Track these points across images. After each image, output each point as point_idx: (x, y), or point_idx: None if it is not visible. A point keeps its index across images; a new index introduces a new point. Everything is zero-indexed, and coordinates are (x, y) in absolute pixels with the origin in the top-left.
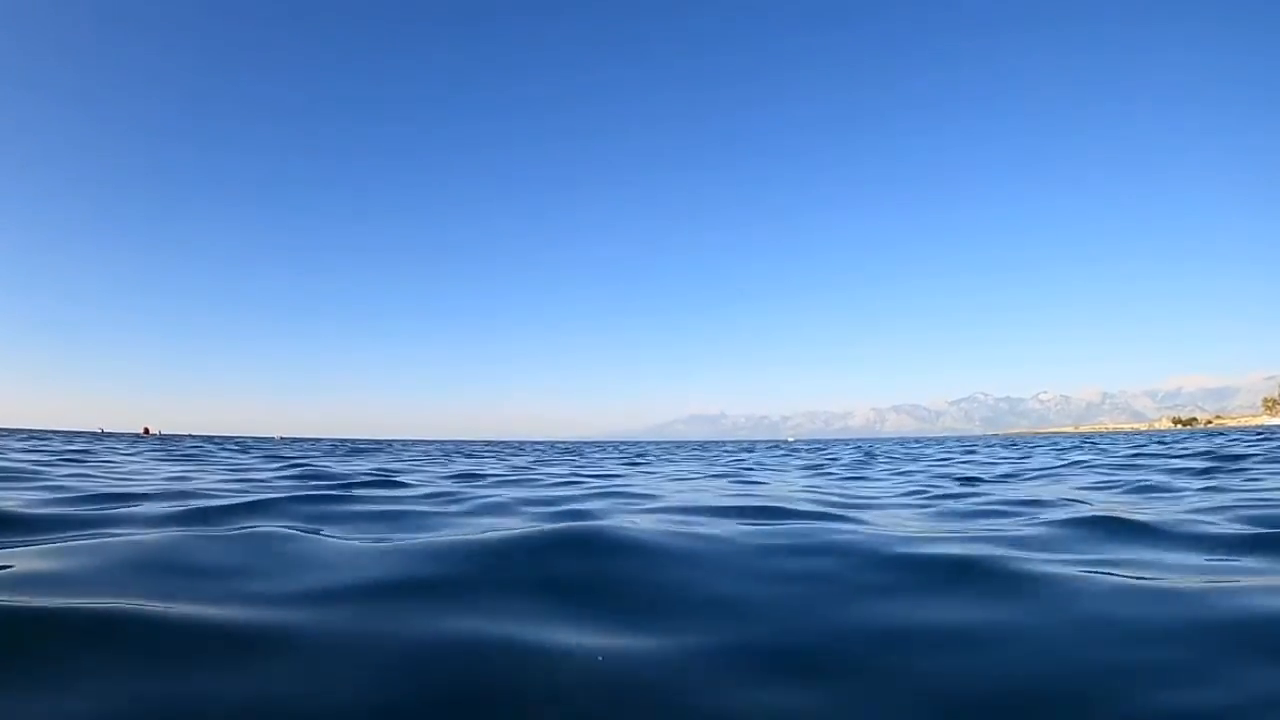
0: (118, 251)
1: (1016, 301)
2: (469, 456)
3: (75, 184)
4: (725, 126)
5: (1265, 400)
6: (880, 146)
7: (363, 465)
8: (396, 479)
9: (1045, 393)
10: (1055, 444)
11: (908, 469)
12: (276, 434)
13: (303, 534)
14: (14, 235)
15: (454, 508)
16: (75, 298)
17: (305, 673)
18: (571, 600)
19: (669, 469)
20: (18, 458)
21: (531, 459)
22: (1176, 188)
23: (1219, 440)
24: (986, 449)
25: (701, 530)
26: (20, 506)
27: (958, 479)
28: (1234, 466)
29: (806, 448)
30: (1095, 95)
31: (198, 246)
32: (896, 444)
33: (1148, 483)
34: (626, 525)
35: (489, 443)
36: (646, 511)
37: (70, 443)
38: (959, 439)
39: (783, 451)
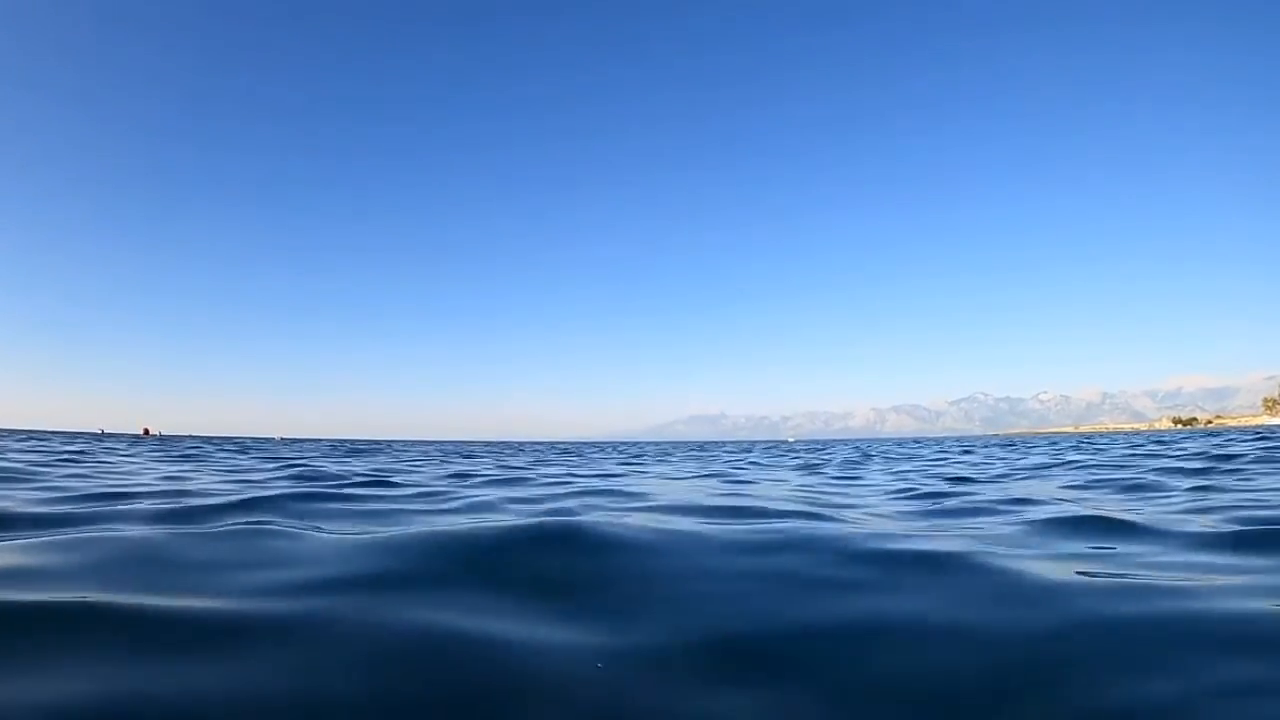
0: (118, 251)
1: (1016, 301)
2: (466, 457)
3: (75, 184)
4: (725, 126)
5: (1265, 400)
6: (880, 146)
7: (358, 466)
8: (389, 479)
9: (1045, 393)
10: (1052, 444)
11: (900, 469)
12: (277, 434)
13: (286, 531)
14: (14, 235)
15: (440, 506)
16: (76, 298)
17: (272, 661)
18: (533, 594)
19: (664, 469)
20: (16, 458)
21: (529, 459)
22: (1176, 188)
23: (1216, 440)
24: (983, 449)
25: (678, 528)
26: (13, 505)
27: (949, 478)
28: (1227, 466)
29: (805, 448)
30: (1095, 95)
31: (198, 247)
32: (894, 444)
33: (1139, 482)
34: (600, 522)
35: (489, 443)
36: (630, 510)
37: (70, 443)
38: (958, 439)
39: (780, 452)
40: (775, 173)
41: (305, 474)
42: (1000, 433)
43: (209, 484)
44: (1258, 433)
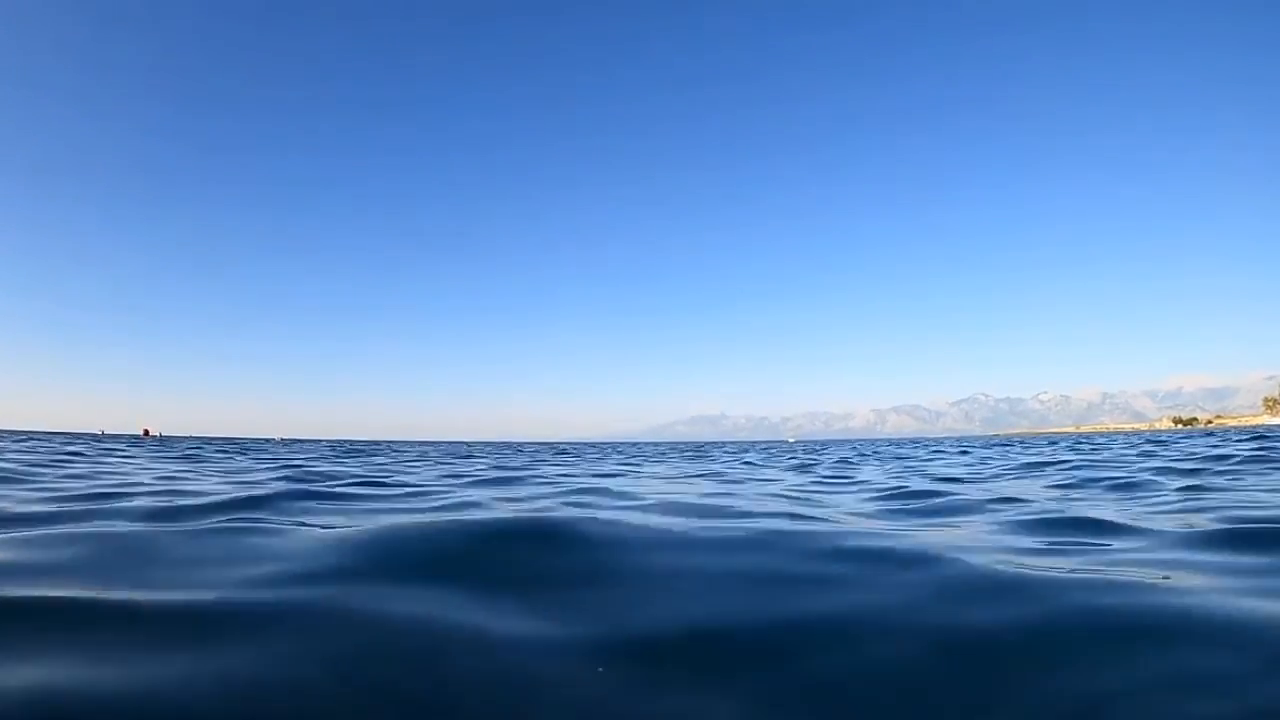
0: (118, 252)
1: (1016, 301)
2: (464, 458)
3: (75, 184)
4: (725, 126)
5: (1265, 400)
6: (880, 146)
7: (354, 466)
8: (382, 479)
9: (1045, 393)
10: (1050, 444)
11: (893, 469)
12: (277, 435)
13: (268, 528)
14: (15, 236)
15: (426, 504)
16: (76, 298)
17: (240, 651)
18: (499, 588)
19: (659, 469)
20: (14, 459)
21: (526, 460)
22: (1176, 188)
23: (1214, 440)
24: (980, 449)
25: (657, 526)
26: (9, 505)
27: (939, 478)
28: (1219, 467)
29: (803, 449)
30: (1095, 95)
31: (198, 247)
32: (892, 445)
33: (1129, 481)
34: (577, 518)
35: (489, 444)
36: (615, 509)
37: (69, 444)
38: (957, 440)
39: (777, 453)
40: (775, 173)
41: (299, 474)
42: (1000, 433)
43: (202, 484)
44: (1256, 433)
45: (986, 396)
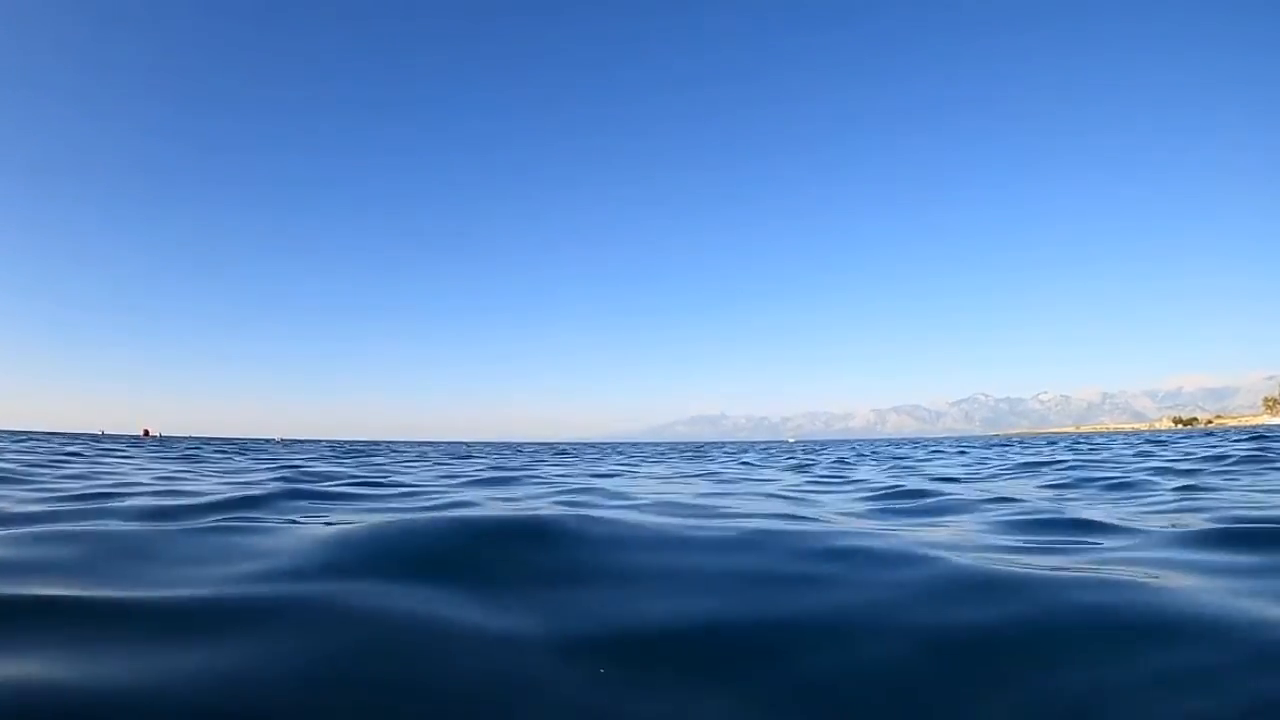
0: (118, 252)
1: (1016, 301)
2: (463, 458)
3: (75, 184)
4: (725, 126)
5: (1266, 400)
6: (880, 146)
7: (351, 467)
8: (377, 479)
9: (1045, 393)
10: (1049, 444)
11: (890, 469)
12: (277, 435)
13: (260, 527)
14: (15, 236)
15: (418, 504)
16: (76, 299)
17: (223, 644)
18: (479, 584)
19: (656, 469)
20: (13, 459)
21: (525, 460)
22: (1176, 188)
23: (1213, 440)
24: (978, 449)
25: (646, 525)
26: (4, 505)
27: (935, 478)
28: (1216, 467)
29: (802, 449)
30: (1095, 95)
31: (198, 247)
32: (891, 445)
33: (1125, 481)
34: (565, 516)
35: (489, 445)
36: (606, 508)
37: (69, 444)
38: (957, 440)
39: (776, 453)
40: (775, 173)
41: (296, 475)
42: (1000, 433)
43: (198, 484)
44: (1255, 433)
45: (986, 396)
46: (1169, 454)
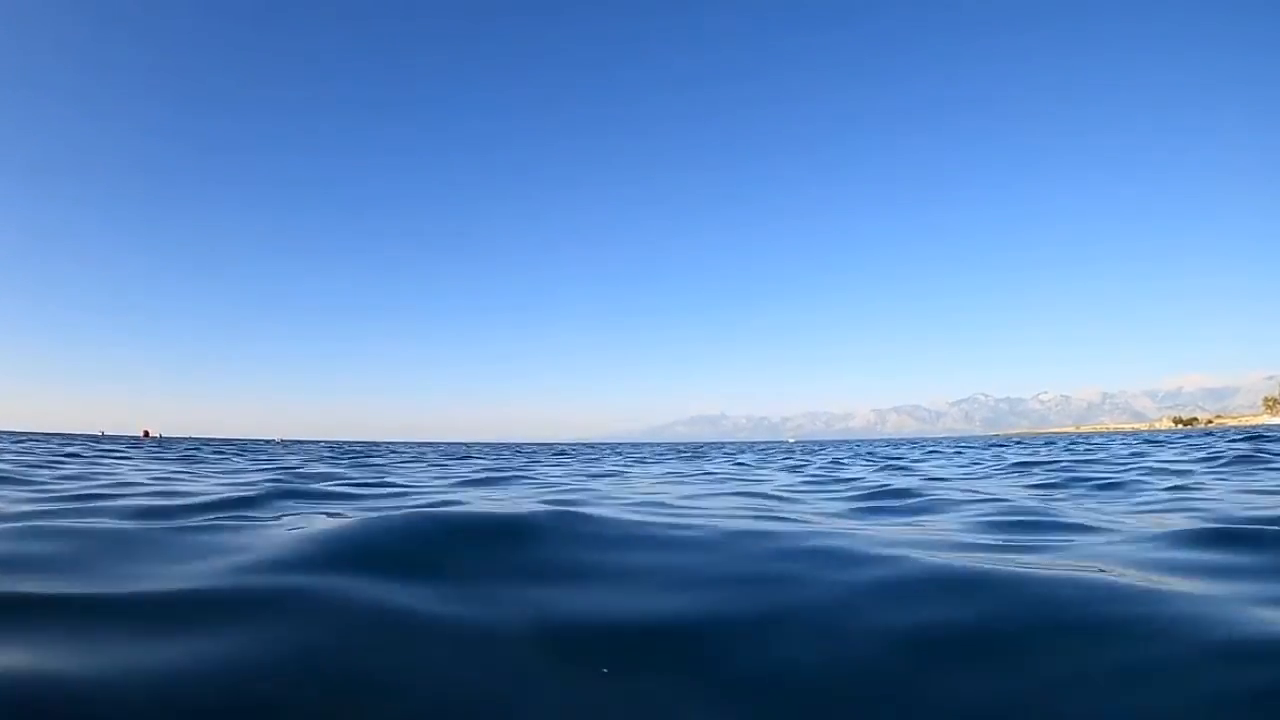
0: (118, 252)
1: (1016, 301)
2: (461, 459)
3: (75, 184)
4: (725, 126)
5: (1266, 400)
6: (880, 146)
7: (347, 468)
8: (373, 480)
9: (1045, 393)
10: (1048, 444)
11: (882, 469)
12: (277, 436)
13: (248, 526)
14: (15, 236)
15: (411, 503)
16: (76, 298)
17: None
18: (439, 579)
19: (653, 469)
20: (11, 460)
21: (523, 460)
22: (1176, 188)
23: (1211, 439)
24: (976, 449)
25: (631, 522)
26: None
27: (926, 478)
28: (1212, 466)
29: (802, 449)
30: (1095, 95)
31: (198, 247)
32: (889, 445)
33: (1117, 481)
34: (540, 512)
35: (488, 445)
36: (592, 508)
37: (67, 445)
38: (956, 440)
39: (773, 453)
40: (775, 173)
41: (291, 476)
42: (1000, 433)
43: (195, 485)
44: (1254, 433)
45: (986, 396)
46: (1165, 454)
